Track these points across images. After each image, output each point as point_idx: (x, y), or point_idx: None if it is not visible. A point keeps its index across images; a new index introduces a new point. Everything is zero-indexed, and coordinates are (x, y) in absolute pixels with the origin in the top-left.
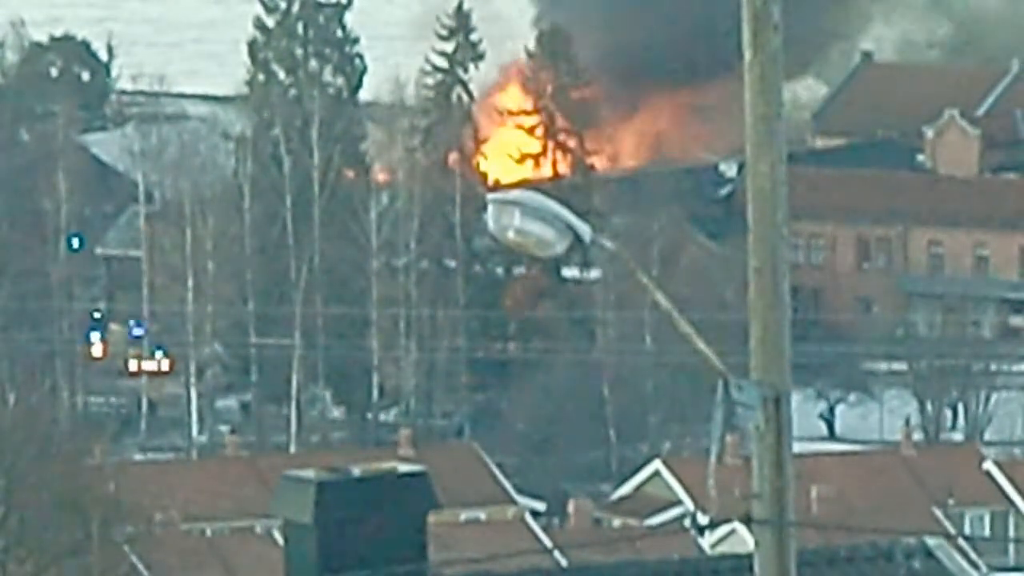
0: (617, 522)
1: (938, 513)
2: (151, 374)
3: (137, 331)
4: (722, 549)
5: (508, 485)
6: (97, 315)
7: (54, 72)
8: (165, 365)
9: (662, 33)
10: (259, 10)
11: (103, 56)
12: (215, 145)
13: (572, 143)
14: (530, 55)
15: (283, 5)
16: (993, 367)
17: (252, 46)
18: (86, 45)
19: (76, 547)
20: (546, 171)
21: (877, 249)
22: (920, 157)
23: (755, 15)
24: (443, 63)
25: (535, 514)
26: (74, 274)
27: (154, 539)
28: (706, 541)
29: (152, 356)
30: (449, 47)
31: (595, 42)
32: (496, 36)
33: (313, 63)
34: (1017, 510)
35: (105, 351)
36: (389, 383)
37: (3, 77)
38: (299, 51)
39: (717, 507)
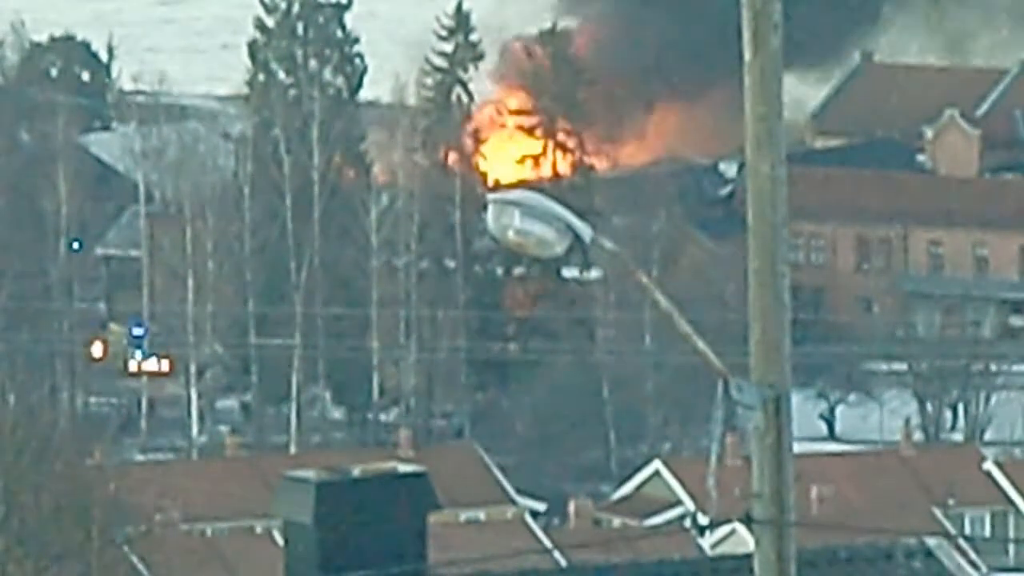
0: (617, 522)
1: (938, 513)
2: (151, 374)
3: (137, 330)
4: (722, 549)
5: (508, 485)
6: (102, 316)
7: (54, 72)
8: (165, 365)
9: (663, 33)
10: (259, 10)
11: (103, 56)
12: (215, 145)
13: (572, 143)
14: (530, 55)
15: (283, 5)
16: (993, 367)
17: (252, 46)
18: (86, 45)
19: (76, 548)
20: (546, 171)
21: (877, 249)
22: (920, 157)
23: (755, 15)
24: (443, 63)
25: (535, 514)
26: (74, 274)
27: (154, 539)
28: (706, 541)
29: (147, 357)
30: (449, 47)
31: (596, 42)
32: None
33: (313, 63)
34: (1017, 510)
35: (105, 351)
36: (389, 383)
37: (3, 77)
38: (299, 51)
39: (717, 507)
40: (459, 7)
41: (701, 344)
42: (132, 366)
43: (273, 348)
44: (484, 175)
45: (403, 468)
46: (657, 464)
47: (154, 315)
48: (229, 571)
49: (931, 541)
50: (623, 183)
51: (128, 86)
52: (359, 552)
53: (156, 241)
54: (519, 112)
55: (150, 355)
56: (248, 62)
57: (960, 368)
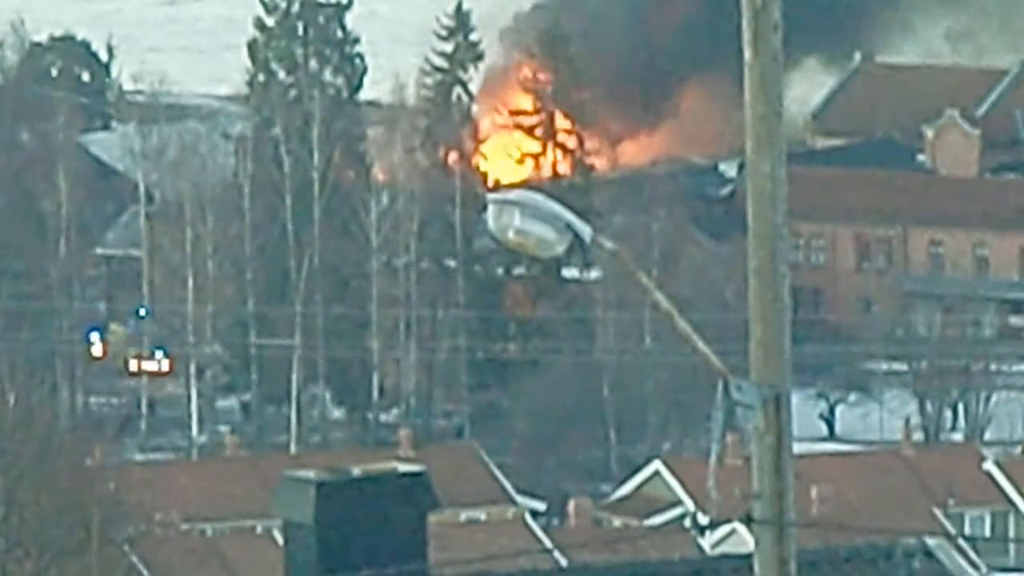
0: (617, 522)
1: (938, 513)
2: (151, 374)
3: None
4: (722, 549)
5: (508, 485)
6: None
7: (54, 72)
8: (165, 365)
9: (662, 32)
10: (259, 10)
11: (103, 56)
12: (215, 145)
13: (572, 143)
14: (530, 55)
15: (283, 5)
16: (993, 367)
17: (252, 46)
18: (86, 45)
19: (76, 547)
20: (546, 171)
21: (877, 249)
22: (920, 157)
23: (755, 15)
24: (443, 63)
25: (535, 514)
26: (74, 274)
27: (154, 539)
28: (706, 541)
29: (152, 356)
30: (449, 47)
31: (596, 42)
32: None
33: (313, 63)
34: (1017, 510)
35: (105, 351)
36: (389, 383)
37: (3, 77)
38: (299, 51)
39: (717, 507)
40: (459, 7)
41: (701, 344)
42: (132, 365)
43: (273, 348)
44: (484, 175)
45: (403, 468)
46: (657, 464)
47: (154, 315)
48: (229, 571)
49: (931, 541)
50: (623, 183)
51: (128, 86)
52: (359, 552)
53: (156, 241)
54: (519, 112)
55: (153, 350)
56: (248, 62)
57: (960, 368)
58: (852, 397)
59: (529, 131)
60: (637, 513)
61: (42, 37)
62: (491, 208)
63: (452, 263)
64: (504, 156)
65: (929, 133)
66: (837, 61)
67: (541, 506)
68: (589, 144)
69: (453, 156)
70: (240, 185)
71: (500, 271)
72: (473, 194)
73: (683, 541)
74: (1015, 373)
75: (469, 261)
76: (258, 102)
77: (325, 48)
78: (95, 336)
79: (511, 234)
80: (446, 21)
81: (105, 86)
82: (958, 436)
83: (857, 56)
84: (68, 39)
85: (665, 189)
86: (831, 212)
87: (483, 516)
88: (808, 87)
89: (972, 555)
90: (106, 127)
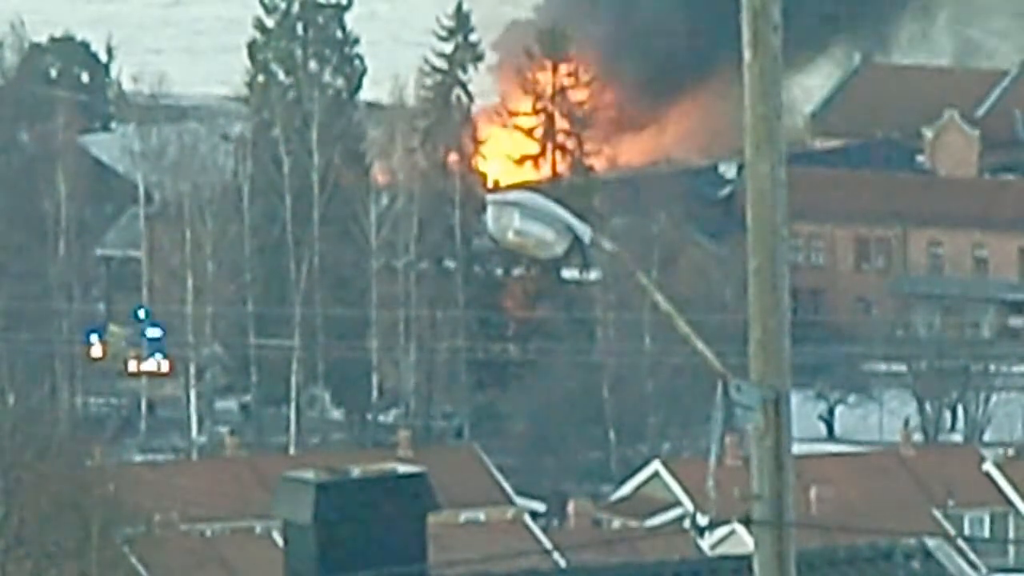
0: (617, 523)
1: (938, 514)
2: (151, 375)
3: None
4: (722, 550)
5: (508, 486)
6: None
7: (54, 72)
8: (165, 366)
9: (661, 32)
10: (259, 10)
11: (103, 56)
12: (215, 145)
13: (571, 144)
14: (530, 55)
15: (283, 5)
16: (993, 367)
17: (252, 46)
18: (86, 45)
19: (76, 548)
20: (545, 172)
21: (877, 250)
22: (920, 158)
23: (755, 15)
24: (442, 64)
25: (535, 515)
26: (74, 274)
27: (154, 540)
28: (706, 542)
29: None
30: (448, 48)
31: (595, 42)
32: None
33: (313, 63)
34: (1017, 511)
35: (105, 352)
36: (389, 384)
37: (3, 77)
38: (299, 51)
39: (717, 508)
40: (459, 7)
41: (701, 344)
42: (132, 366)
43: (273, 348)
44: (484, 175)
45: (403, 468)
46: (657, 464)
47: (154, 315)
48: (229, 571)
49: (931, 542)
50: (622, 184)
51: (128, 86)
52: (359, 552)
53: (156, 241)
54: (518, 113)
55: (150, 354)
56: (248, 63)
57: (960, 368)
58: (852, 398)
59: (528, 132)
60: (637, 514)
61: (42, 37)
62: (491, 209)
63: (452, 263)
64: (504, 157)
65: (929, 134)
66: (837, 61)
67: (541, 507)
68: (588, 145)
69: (453, 156)
70: (240, 186)
71: (500, 271)
72: (473, 195)
73: (683, 542)
74: (1014, 374)
75: (469, 261)
76: (258, 103)
77: (325, 48)
78: (94, 337)
79: (511, 235)
80: (446, 21)
81: (105, 86)
82: (957, 437)
83: (857, 56)
84: (68, 39)
85: (664, 190)
86: (831, 212)
87: (483, 517)
88: (808, 87)
89: (972, 556)
90: (106, 128)
